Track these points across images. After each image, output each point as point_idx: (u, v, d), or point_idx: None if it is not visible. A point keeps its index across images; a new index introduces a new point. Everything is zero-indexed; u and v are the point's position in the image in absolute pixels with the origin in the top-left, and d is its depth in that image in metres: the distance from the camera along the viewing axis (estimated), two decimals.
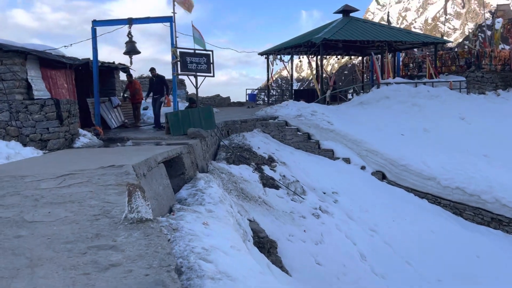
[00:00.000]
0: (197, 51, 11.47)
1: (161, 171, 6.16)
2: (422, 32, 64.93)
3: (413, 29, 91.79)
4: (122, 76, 15.42)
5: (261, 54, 26.03)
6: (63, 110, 8.60)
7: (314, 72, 24.14)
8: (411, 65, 26.63)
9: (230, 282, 3.32)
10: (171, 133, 10.17)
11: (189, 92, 24.16)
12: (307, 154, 14.28)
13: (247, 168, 10.66)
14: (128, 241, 2.99)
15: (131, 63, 11.41)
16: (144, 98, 14.04)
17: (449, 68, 24.23)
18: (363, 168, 13.65)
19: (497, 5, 29.11)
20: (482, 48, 23.80)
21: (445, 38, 30.18)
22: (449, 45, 30.39)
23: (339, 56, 27.67)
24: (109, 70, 13.87)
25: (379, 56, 23.47)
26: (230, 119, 14.58)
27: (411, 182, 12.85)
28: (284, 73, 79.09)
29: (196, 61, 11.33)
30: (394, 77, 22.44)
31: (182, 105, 14.15)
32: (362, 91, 23.42)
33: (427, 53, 27.46)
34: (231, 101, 27.19)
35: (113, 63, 13.65)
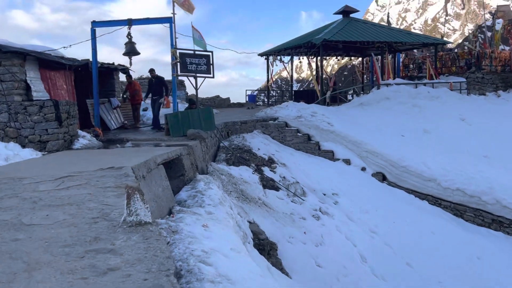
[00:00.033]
0: (196, 52, 11.45)
1: (161, 172, 6.13)
2: (422, 33, 64.90)
3: (413, 30, 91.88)
4: (122, 77, 15.42)
5: (261, 55, 26.00)
6: (62, 111, 8.57)
7: (314, 73, 24.12)
8: (411, 66, 26.63)
9: (230, 285, 3.29)
10: (171, 134, 10.15)
11: (189, 93, 24.10)
12: (307, 155, 14.25)
13: (247, 170, 10.64)
14: (127, 244, 2.96)
15: (130, 64, 11.39)
16: (143, 99, 14.01)
17: (449, 69, 24.23)
18: (363, 169, 13.61)
19: (497, 6, 29.07)
20: (482, 49, 23.80)
21: (445, 39, 30.14)
22: (449, 46, 30.38)
23: (339, 57, 27.60)
24: (109, 71, 13.84)
25: (379, 57, 23.44)
26: (230, 120, 14.55)
27: (411, 183, 12.82)
28: (284, 74, 79.12)
29: (196, 62, 11.31)
30: (394, 78, 22.42)
31: (182, 106, 14.11)
32: (362, 92, 23.39)
33: (427, 54, 27.48)
34: (231, 102, 27.13)
35: (113, 64, 13.62)
